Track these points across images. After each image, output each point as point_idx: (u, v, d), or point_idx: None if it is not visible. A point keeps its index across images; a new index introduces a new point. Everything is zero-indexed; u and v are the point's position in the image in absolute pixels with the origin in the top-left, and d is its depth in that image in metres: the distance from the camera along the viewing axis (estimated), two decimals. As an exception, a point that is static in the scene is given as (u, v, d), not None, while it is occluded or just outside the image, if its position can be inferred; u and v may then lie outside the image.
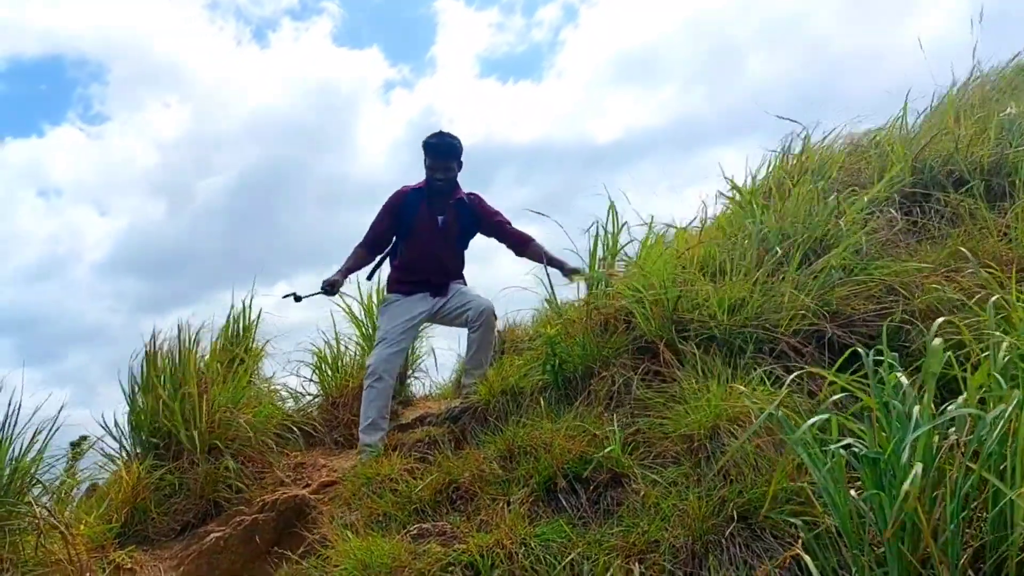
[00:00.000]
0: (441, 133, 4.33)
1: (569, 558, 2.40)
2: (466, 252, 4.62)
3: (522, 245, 4.46)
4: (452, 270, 4.46)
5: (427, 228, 4.36)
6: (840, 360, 2.48)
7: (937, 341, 2.08)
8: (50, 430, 3.60)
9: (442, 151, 4.29)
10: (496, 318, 4.36)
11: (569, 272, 4.20)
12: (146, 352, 4.49)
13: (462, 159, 4.41)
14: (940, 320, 2.26)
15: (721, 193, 4.55)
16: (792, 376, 2.62)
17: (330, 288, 4.31)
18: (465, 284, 4.54)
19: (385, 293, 4.58)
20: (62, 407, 3.68)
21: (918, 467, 1.85)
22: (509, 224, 4.53)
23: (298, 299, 4.33)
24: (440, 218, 4.38)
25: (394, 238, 4.51)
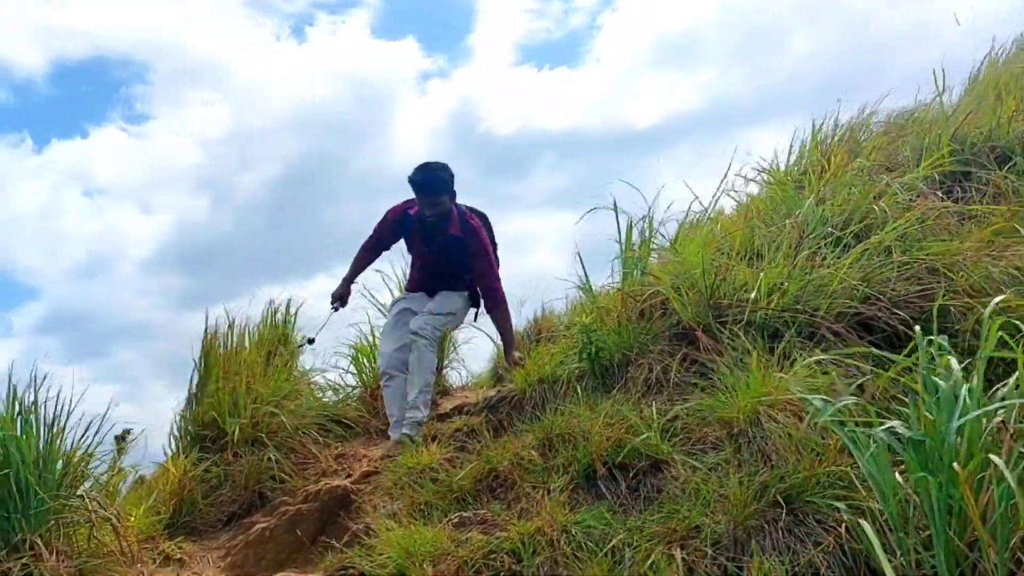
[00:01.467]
0: (425, 167, 4.13)
1: (610, 545, 2.40)
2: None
3: (488, 306, 4.34)
4: (448, 283, 4.38)
5: (419, 251, 4.42)
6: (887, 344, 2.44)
7: (992, 324, 2.04)
8: (100, 426, 3.69)
9: (426, 188, 4.10)
10: (434, 342, 4.20)
11: (510, 360, 4.21)
12: (203, 347, 4.59)
13: (453, 188, 4.21)
14: (997, 299, 2.21)
15: (758, 174, 4.49)
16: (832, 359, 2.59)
17: (340, 302, 4.37)
18: (458, 292, 4.40)
19: (401, 292, 4.71)
20: (111, 404, 3.76)
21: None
22: (485, 277, 4.29)
23: (312, 341, 4.48)
24: (428, 249, 4.34)
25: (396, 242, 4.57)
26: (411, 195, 4.24)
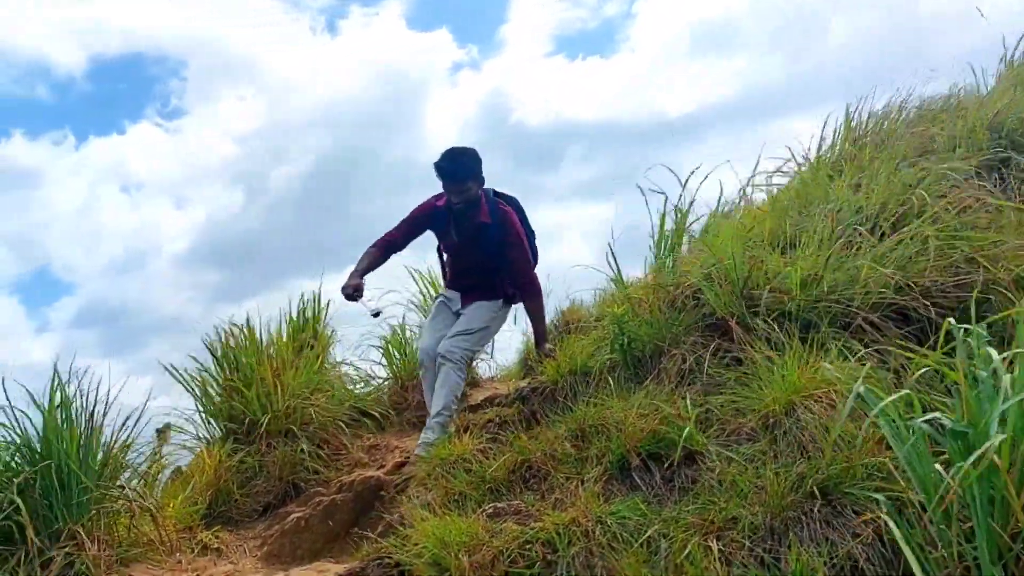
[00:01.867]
0: (451, 152, 4.02)
1: (646, 535, 2.41)
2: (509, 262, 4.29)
3: (522, 294, 4.29)
4: (481, 281, 4.26)
5: (452, 244, 4.31)
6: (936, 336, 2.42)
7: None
8: (138, 418, 3.76)
9: (452, 175, 3.99)
10: (463, 365, 4.05)
11: (542, 352, 4.17)
12: (222, 341, 4.65)
13: (481, 174, 4.10)
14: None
15: (791, 162, 4.44)
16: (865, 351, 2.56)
17: (358, 292, 4.05)
18: (491, 301, 4.27)
19: (443, 289, 4.61)
20: (149, 396, 3.83)
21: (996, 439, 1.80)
22: (519, 265, 4.21)
23: (377, 314, 4.21)
24: (459, 240, 4.24)
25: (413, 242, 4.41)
26: (439, 188, 4.14)
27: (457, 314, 4.26)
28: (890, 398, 2.14)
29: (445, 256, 4.50)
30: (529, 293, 4.27)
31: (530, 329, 4.54)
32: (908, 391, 2.26)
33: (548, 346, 4.21)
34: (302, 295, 5.22)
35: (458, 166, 3.99)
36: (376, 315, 4.15)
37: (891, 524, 1.90)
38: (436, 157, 4.01)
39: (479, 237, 4.15)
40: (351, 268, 4.13)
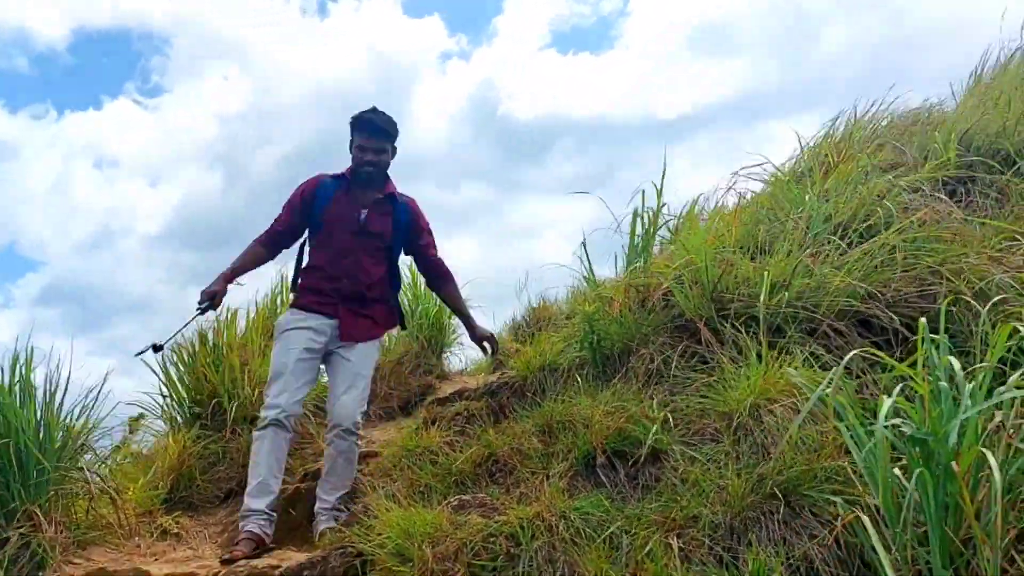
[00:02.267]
0: (375, 109, 3.53)
1: (608, 531, 2.43)
2: (399, 269, 3.79)
3: (442, 279, 3.76)
4: (373, 283, 3.54)
5: (343, 223, 3.49)
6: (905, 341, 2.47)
7: (1001, 330, 2.07)
8: (95, 398, 3.70)
9: (377, 127, 3.47)
10: (358, 432, 3.42)
11: (478, 338, 3.67)
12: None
13: (396, 145, 3.59)
14: (994, 299, 2.24)
15: (767, 166, 4.50)
16: (845, 357, 2.61)
17: (210, 302, 3.36)
18: (381, 334, 3.72)
19: (288, 309, 3.62)
20: (105, 379, 3.78)
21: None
22: (435, 250, 3.74)
23: (158, 348, 3.43)
24: (363, 212, 3.51)
25: (304, 235, 3.65)
26: (306, 179, 3.59)
27: (327, 354, 3.48)
28: (816, 394, 2.19)
29: (312, 256, 3.60)
30: (450, 275, 3.75)
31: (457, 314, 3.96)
32: (866, 397, 2.31)
33: (487, 331, 3.71)
34: (272, 281, 5.19)
35: (387, 121, 3.51)
36: (157, 349, 3.41)
37: (868, 525, 1.94)
38: (360, 112, 3.52)
39: (387, 210, 3.56)
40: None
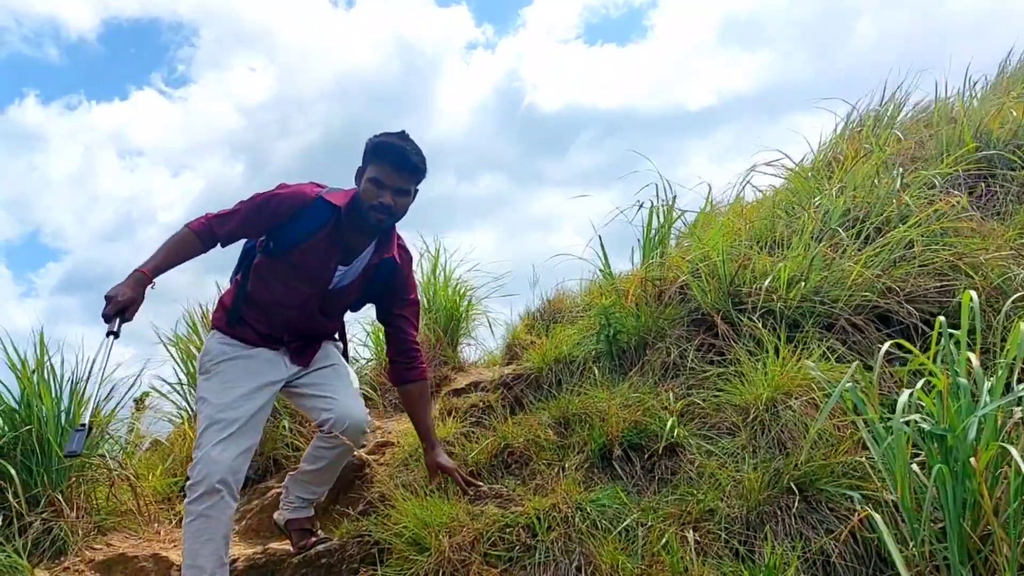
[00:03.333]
0: (405, 135, 2.66)
1: (624, 524, 2.45)
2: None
3: (416, 372, 2.93)
4: (325, 333, 2.95)
5: (309, 275, 2.71)
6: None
7: (1016, 326, 2.07)
8: (127, 391, 3.78)
9: (408, 163, 2.61)
10: (366, 434, 2.91)
11: (433, 466, 2.90)
12: (203, 313, 4.65)
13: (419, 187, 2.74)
14: (1014, 297, 2.23)
15: (785, 160, 4.48)
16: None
17: (121, 317, 2.44)
18: (340, 346, 3.06)
19: (214, 332, 2.82)
20: (143, 369, 3.84)
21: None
22: (416, 331, 2.96)
23: (115, 335, 2.44)
24: (341, 272, 2.74)
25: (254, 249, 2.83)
26: (290, 186, 2.71)
27: (286, 384, 2.82)
28: (839, 390, 2.19)
29: (255, 286, 2.77)
30: (421, 368, 2.94)
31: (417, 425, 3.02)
32: (885, 393, 2.31)
33: (448, 462, 2.92)
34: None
35: (419, 155, 2.64)
36: (115, 335, 2.44)
37: (879, 522, 1.94)
38: (389, 137, 2.64)
39: (372, 279, 2.81)
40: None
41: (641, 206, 4.02)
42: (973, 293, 2.25)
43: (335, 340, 3.05)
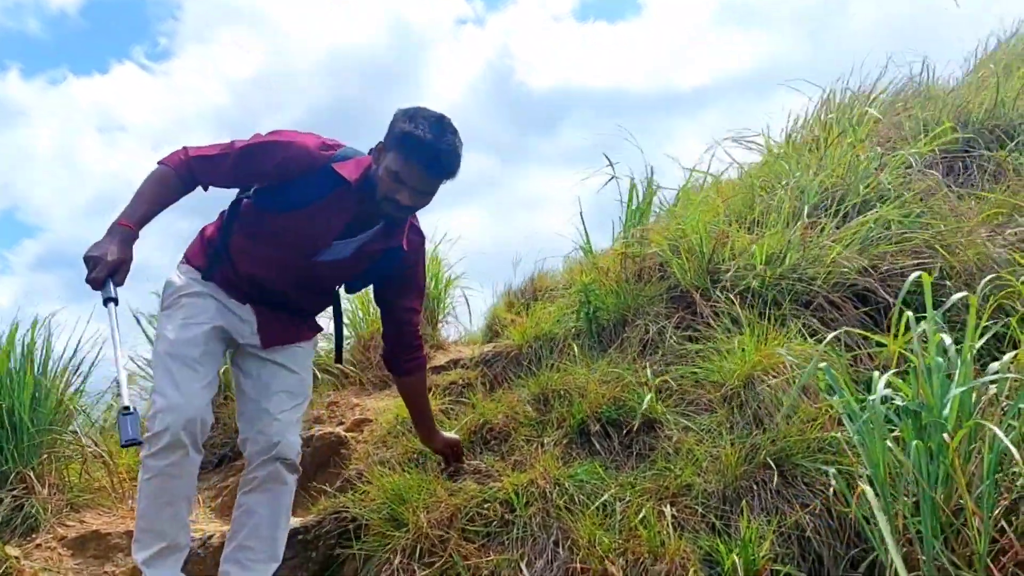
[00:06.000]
0: (443, 123, 2.24)
1: (602, 499, 2.45)
2: None
3: (415, 362, 2.68)
4: (300, 311, 2.60)
5: (308, 242, 2.38)
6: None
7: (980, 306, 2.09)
8: (92, 364, 3.72)
9: (441, 166, 2.25)
10: (297, 472, 2.51)
11: (445, 445, 2.81)
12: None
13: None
14: (989, 277, 2.25)
15: (763, 139, 4.49)
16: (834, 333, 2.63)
17: (113, 276, 2.11)
18: (316, 341, 2.76)
19: (183, 264, 2.50)
20: (102, 346, 3.78)
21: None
22: (416, 323, 2.66)
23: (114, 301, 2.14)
24: (343, 245, 2.42)
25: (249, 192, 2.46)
26: (300, 135, 2.37)
27: (236, 347, 2.49)
28: (811, 367, 2.21)
29: (239, 236, 2.44)
30: (420, 360, 2.70)
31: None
32: (862, 370, 2.33)
33: (451, 435, 2.86)
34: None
35: (455, 156, 2.27)
36: (114, 302, 2.13)
37: (869, 495, 1.96)
38: (423, 128, 2.20)
39: (377, 265, 2.52)
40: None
41: (612, 179, 4.00)
42: (930, 275, 2.26)
43: (313, 330, 2.68)
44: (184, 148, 2.33)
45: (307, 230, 2.37)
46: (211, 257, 2.45)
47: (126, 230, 2.19)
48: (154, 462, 2.20)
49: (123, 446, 2.02)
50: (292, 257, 2.41)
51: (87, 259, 2.12)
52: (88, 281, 2.10)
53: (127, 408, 2.01)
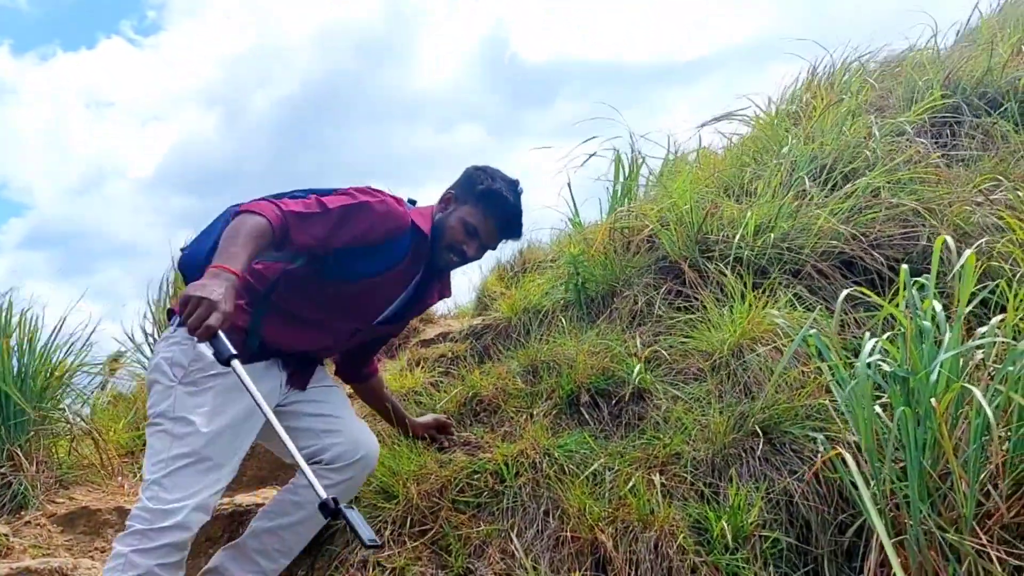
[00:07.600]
0: (518, 189, 2.36)
1: (592, 468, 2.46)
2: None
3: (367, 368, 2.66)
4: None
5: (385, 304, 2.33)
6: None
7: (967, 262, 2.09)
8: (85, 343, 3.71)
9: (514, 227, 2.36)
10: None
11: (422, 425, 2.78)
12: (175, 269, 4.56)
13: None
14: (980, 242, 2.25)
15: (752, 109, 4.46)
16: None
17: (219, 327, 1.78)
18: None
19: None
20: (98, 323, 3.77)
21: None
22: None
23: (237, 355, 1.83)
24: (402, 302, 2.37)
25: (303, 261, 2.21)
26: (388, 207, 2.17)
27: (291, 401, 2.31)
28: (800, 336, 2.21)
29: (295, 301, 2.21)
30: (376, 364, 2.72)
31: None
32: (850, 338, 2.33)
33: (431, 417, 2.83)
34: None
35: (520, 217, 2.37)
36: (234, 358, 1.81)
37: (849, 462, 1.97)
38: (506, 189, 2.30)
39: (425, 301, 2.52)
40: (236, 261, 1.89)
41: (592, 155, 3.99)
42: (949, 239, 2.27)
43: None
44: (273, 202, 2.07)
45: (384, 294, 2.29)
46: (239, 345, 1.93)
47: (234, 277, 1.87)
48: (142, 559, 1.92)
49: (368, 546, 1.66)
50: (354, 323, 2.30)
51: (191, 298, 1.79)
52: (197, 327, 1.77)
53: (336, 501, 1.69)
